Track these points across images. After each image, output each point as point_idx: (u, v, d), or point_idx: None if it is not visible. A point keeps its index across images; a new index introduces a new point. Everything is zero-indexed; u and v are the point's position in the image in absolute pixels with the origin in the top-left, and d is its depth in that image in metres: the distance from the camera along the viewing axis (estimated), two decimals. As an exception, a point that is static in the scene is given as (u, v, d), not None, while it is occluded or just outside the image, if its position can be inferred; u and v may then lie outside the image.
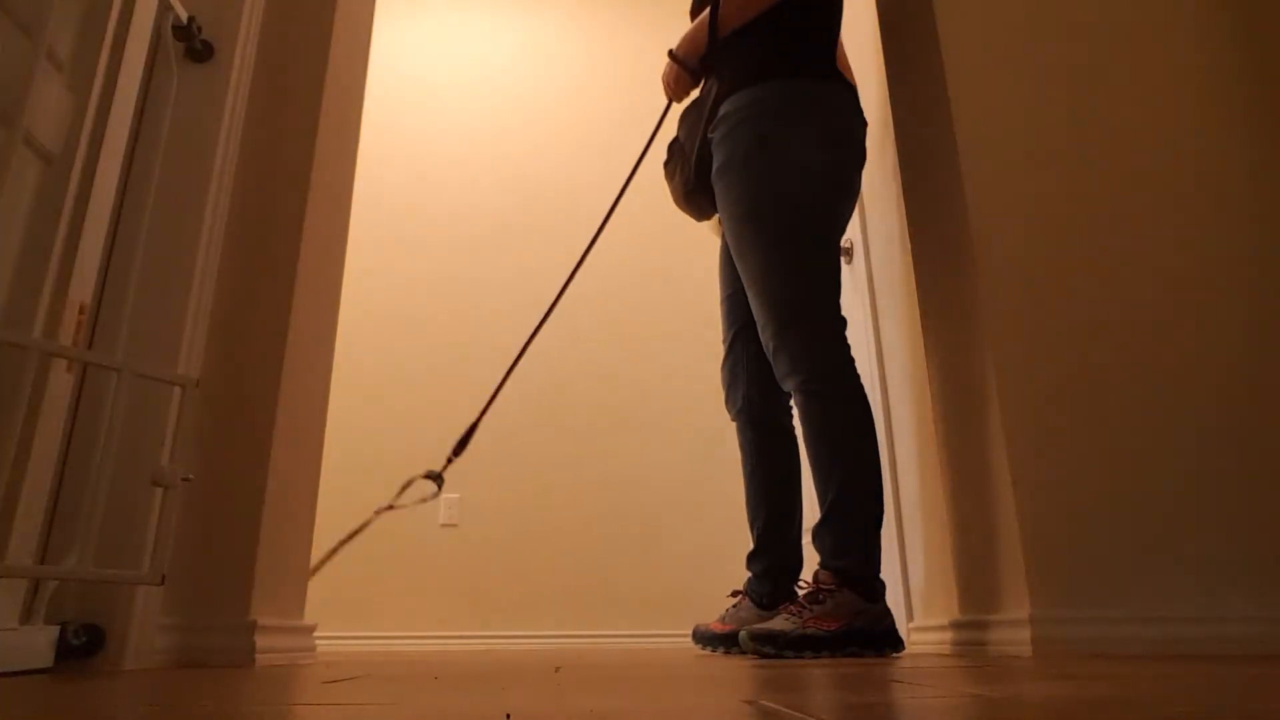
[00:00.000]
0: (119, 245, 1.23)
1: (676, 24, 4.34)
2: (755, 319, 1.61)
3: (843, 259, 2.19)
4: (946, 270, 1.61)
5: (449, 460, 1.75)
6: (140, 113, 1.29)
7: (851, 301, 2.17)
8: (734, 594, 1.75)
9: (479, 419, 1.78)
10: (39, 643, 1.01)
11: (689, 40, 1.74)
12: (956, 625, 1.51)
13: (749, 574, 1.74)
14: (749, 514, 1.76)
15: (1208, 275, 1.50)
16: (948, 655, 1.43)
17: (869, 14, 2.02)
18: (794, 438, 1.77)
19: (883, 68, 1.92)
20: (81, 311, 1.10)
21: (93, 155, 1.14)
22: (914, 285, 1.73)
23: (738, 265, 1.63)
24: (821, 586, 1.45)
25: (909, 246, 1.75)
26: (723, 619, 1.71)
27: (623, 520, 3.28)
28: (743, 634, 1.43)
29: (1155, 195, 1.54)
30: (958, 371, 1.56)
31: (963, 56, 1.61)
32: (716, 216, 1.76)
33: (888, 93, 1.88)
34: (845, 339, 1.56)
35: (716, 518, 3.34)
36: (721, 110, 1.66)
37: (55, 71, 1.13)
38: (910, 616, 1.78)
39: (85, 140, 1.12)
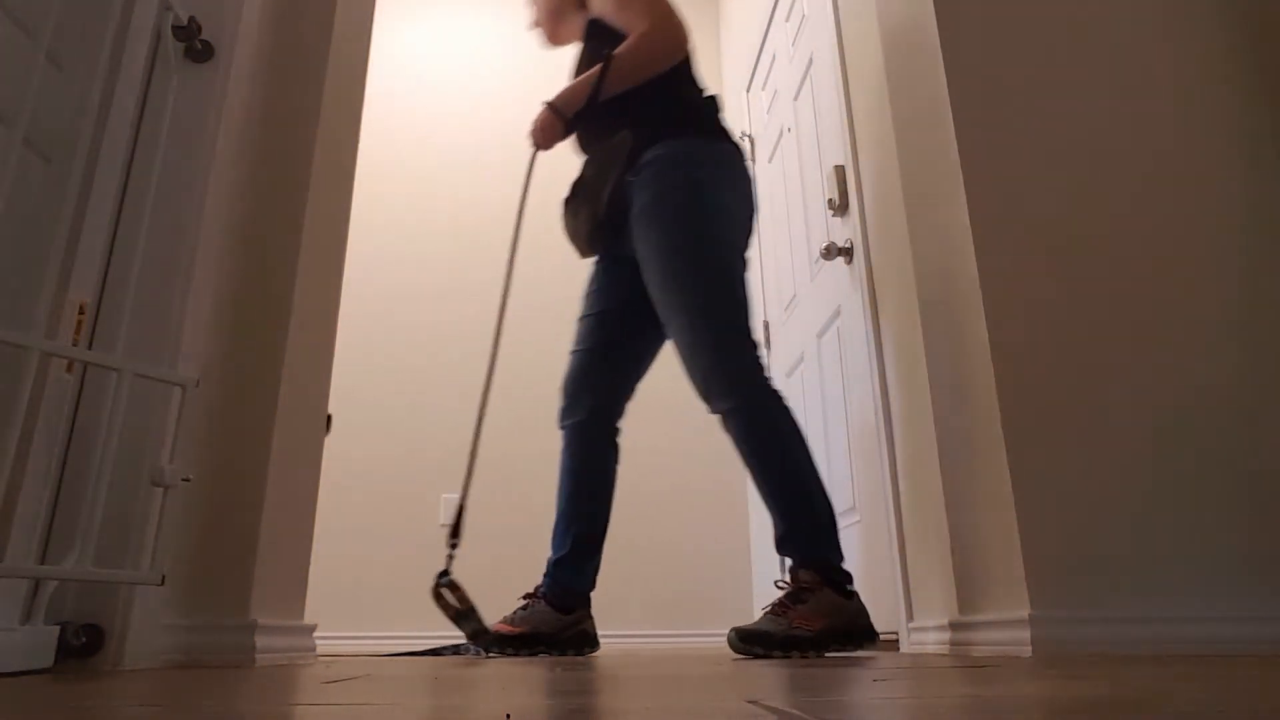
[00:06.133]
0: (119, 245, 1.23)
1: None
2: (677, 347, 1.69)
3: (842, 259, 2.20)
4: (946, 271, 1.61)
5: (451, 548, 1.76)
6: (140, 113, 1.29)
7: (852, 301, 2.17)
8: (526, 596, 1.76)
9: (463, 497, 1.79)
10: (39, 643, 1.01)
11: (568, 94, 1.84)
12: (956, 625, 1.51)
13: (549, 577, 1.77)
14: (563, 521, 1.81)
15: (1210, 277, 1.50)
16: (947, 655, 1.43)
17: (869, 15, 2.02)
18: (619, 456, 1.86)
19: (884, 71, 1.92)
20: (81, 311, 1.10)
21: (93, 155, 1.14)
22: (914, 285, 1.73)
23: (661, 297, 1.70)
24: (802, 586, 1.53)
25: (909, 246, 1.75)
26: (512, 620, 1.72)
27: (622, 520, 3.28)
28: (731, 634, 1.52)
29: (1157, 197, 1.55)
30: (957, 372, 1.56)
31: (963, 60, 1.61)
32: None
33: (888, 95, 1.88)
34: (761, 360, 1.65)
35: (716, 519, 3.34)
36: (646, 156, 1.75)
37: (55, 71, 1.13)
38: (910, 616, 1.78)
39: (85, 140, 1.12)
